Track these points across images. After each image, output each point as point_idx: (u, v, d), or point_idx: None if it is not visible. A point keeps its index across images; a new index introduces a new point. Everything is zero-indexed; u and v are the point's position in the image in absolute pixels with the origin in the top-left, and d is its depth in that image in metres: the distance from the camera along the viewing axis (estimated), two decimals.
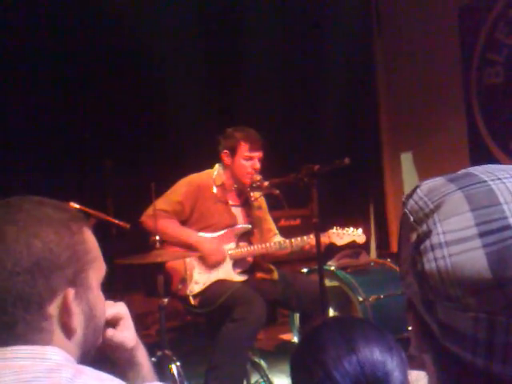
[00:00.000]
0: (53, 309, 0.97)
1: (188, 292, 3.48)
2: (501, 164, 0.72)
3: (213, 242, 3.55)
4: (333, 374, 1.02)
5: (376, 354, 1.04)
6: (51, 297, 0.96)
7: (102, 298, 1.09)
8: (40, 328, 0.95)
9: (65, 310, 0.98)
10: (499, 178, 0.67)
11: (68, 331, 0.98)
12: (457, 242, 0.65)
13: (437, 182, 0.72)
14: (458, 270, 0.64)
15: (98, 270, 1.05)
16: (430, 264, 0.66)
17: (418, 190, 0.73)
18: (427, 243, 0.67)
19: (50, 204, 1.03)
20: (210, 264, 3.52)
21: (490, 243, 0.63)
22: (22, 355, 0.93)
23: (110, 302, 1.21)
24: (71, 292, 0.98)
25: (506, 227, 0.63)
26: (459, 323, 0.65)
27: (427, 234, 0.67)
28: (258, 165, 3.57)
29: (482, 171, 0.69)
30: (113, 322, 1.20)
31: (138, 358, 1.26)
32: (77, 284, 0.99)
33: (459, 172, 0.72)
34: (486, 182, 0.67)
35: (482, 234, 0.63)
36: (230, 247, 3.61)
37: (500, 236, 0.62)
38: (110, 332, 1.19)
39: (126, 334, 1.23)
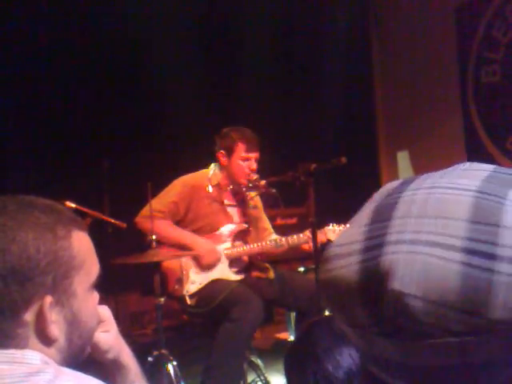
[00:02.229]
0: (28, 316, 0.94)
1: (184, 292, 3.47)
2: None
3: (207, 242, 3.54)
4: (325, 365, 1.03)
5: None
6: (26, 304, 0.93)
7: (92, 302, 1.06)
8: (14, 335, 0.93)
9: (41, 318, 0.95)
10: (418, 188, 0.63)
11: (46, 338, 0.96)
12: (343, 255, 0.64)
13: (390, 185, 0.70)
14: (337, 284, 0.63)
15: (85, 275, 1.02)
16: (321, 275, 0.67)
17: None
18: (328, 253, 0.67)
19: (40, 205, 1.00)
20: (205, 265, 3.51)
21: (365, 260, 0.61)
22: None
23: None
24: (49, 299, 0.95)
25: (381, 244, 0.60)
26: (351, 336, 0.65)
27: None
28: (254, 165, 3.57)
29: (422, 178, 0.66)
30: None
31: (123, 361, 1.25)
32: (58, 291, 0.96)
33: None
34: (403, 191, 0.65)
35: (363, 250, 0.62)
36: (226, 247, 3.60)
37: (374, 253, 0.60)
38: None
39: (104, 336, 1.21)
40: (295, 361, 1.12)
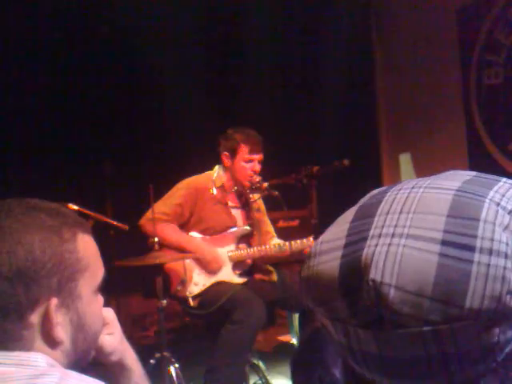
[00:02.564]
0: (34, 318, 0.94)
1: (187, 293, 3.47)
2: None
3: (211, 249, 3.54)
4: (332, 371, 1.02)
5: None
6: (32, 306, 0.94)
7: (97, 305, 1.07)
8: (20, 337, 0.93)
9: (47, 320, 0.95)
10: (400, 189, 0.67)
11: (51, 341, 0.96)
12: (326, 251, 0.66)
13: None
14: (319, 278, 0.65)
15: (90, 278, 1.03)
16: (304, 272, 0.69)
17: None
18: (311, 250, 0.69)
19: (45, 208, 1.00)
20: (208, 270, 3.52)
21: (346, 254, 0.63)
22: (5, 361, 0.91)
23: None
24: (54, 301, 0.95)
25: (363, 238, 0.63)
26: (330, 330, 0.66)
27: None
28: (258, 167, 3.57)
29: (406, 182, 0.69)
30: None
31: (127, 364, 1.25)
32: (63, 293, 0.97)
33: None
34: (386, 192, 0.68)
35: (345, 245, 0.64)
36: (230, 249, 3.60)
37: (355, 247, 0.63)
38: None
39: (108, 338, 1.21)
40: (301, 365, 1.12)
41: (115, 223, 3.79)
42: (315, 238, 3.11)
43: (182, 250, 3.50)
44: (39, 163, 4.95)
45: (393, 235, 0.61)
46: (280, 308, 4.01)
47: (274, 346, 4.64)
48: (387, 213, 0.64)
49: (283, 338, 4.65)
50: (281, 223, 4.90)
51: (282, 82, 5.78)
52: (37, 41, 4.90)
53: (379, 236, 0.62)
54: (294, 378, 1.13)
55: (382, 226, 0.63)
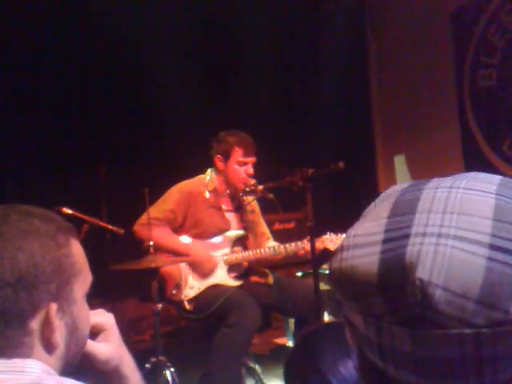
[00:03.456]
0: (35, 324, 0.95)
1: (183, 297, 3.47)
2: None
3: (203, 250, 3.53)
4: (329, 379, 1.01)
5: None
6: (34, 312, 0.94)
7: (86, 309, 1.07)
8: (20, 343, 0.93)
9: (47, 326, 0.96)
10: (437, 187, 0.67)
11: (49, 346, 0.97)
12: (362, 245, 0.66)
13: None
14: (354, 272, 0.65)
15: (83, 282, 1.03)
16: (335, 264, 0.68)
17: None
18: (343, 243, 0.69)
19: (38, 214, 1.01)
20: (202, 272, 3.51)
21: (387, 250, 0.63)
22: (2, 369, 0.91)
23: (99, 311, 1.19)
24: (54, 307, 0.96)
25: (406, 236, 0.63)
26: (359, 325, 0.66)
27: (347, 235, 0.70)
28: (251, 170, 3.56)
29: (436, 181, 0.70)
30: (92, 332, 1.15)
31: (123, 372, 1.23)
32: (61, 298, 0.98)
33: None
34: (422, 189, 0.68)
35: (384, 241, 0.64)
36: (225, 252, 3.60)
37: (397, 244, 0.62)
38: None
39: (103, 346, 1.18)
40: (296, 373, 1.11)
41: (110, 227, 3.78)
42: (311, 241, 3.11)
43: (174, 253, 3.50)
44: (34, 167, 4.94)
45: (439, 235, 0.61)
46: (276, 311, 4.00)
47: (270, 348, 4.63)
48: (429, 211, 0.64)
49: (279, 340, 4.65)
50: (276, 225, 4.90)
51: (276, 84, 5.77)
52: (35, 45, 4.89)
53: (424, 235, 0.62)
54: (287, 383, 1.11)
55: (426, 225, 0.63)
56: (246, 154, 3.55)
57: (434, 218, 0.63)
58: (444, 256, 0.60)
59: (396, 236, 0.63)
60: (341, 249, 0.68)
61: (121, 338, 1.23)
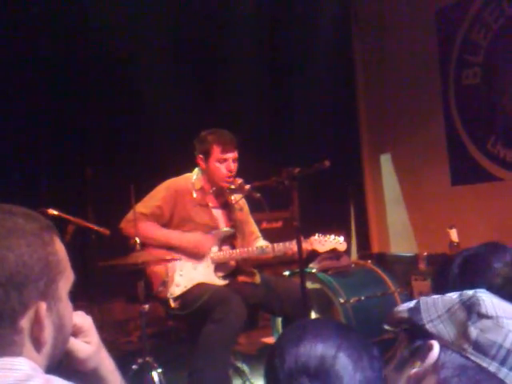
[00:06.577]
0: (25, 322, 0.95)
1: (168, 295, 3.46)
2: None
3: (194, 235, 3.54)
4: (274, 362, 1.04)
5: (317, 350, 1.02)
6: (24, 311, 0.95)
7: (70, 307, 1.07)
8: (11, 342, 0.94)
9: (37, 324, 0.96)
10: None
11: (38, 344, 0.97)
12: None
13: None
14: None
15: (67, 280, 1.04)
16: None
17: None
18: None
19: (21, 213, 1.01)
20: (196, 257, 3.51)
21: None
22: None
23: (79, 312, 1.18)
24: (43, 306, 0.96)
25: None
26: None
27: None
28: (232, 165, 3.56)
29: None
30: (71, 333, 1.14)
31: (102, 374, 1.22)
32: (49, 296, 0.98)
33: None
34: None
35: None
36: (213, 251, 3.59)
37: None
38: None
39: (82, 345, 1.17)
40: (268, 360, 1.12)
41: (96, 228, 3.76)
42: (297, 240, 3.10)
43: (164, 244, 3.50)
44: (20, 168, 4.91)
45: None
46: (263, 310, 4.00)
47: (258, 348, 4.63)
48: None
49: (266, 340, 4.65)
50: (264, 225, 4.90)
51: (262, 83, 5.77)
52: (23, 50, 4.85)
53: None
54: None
55: None
56: (224, 151, 3.55)
57: None
58: None
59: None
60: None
61: (100, 340, 1.22)
